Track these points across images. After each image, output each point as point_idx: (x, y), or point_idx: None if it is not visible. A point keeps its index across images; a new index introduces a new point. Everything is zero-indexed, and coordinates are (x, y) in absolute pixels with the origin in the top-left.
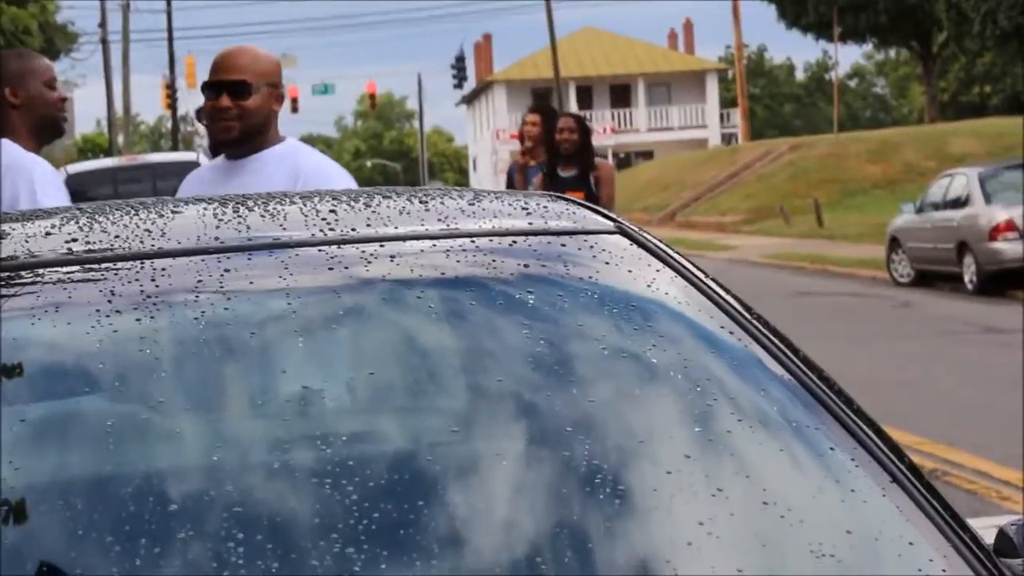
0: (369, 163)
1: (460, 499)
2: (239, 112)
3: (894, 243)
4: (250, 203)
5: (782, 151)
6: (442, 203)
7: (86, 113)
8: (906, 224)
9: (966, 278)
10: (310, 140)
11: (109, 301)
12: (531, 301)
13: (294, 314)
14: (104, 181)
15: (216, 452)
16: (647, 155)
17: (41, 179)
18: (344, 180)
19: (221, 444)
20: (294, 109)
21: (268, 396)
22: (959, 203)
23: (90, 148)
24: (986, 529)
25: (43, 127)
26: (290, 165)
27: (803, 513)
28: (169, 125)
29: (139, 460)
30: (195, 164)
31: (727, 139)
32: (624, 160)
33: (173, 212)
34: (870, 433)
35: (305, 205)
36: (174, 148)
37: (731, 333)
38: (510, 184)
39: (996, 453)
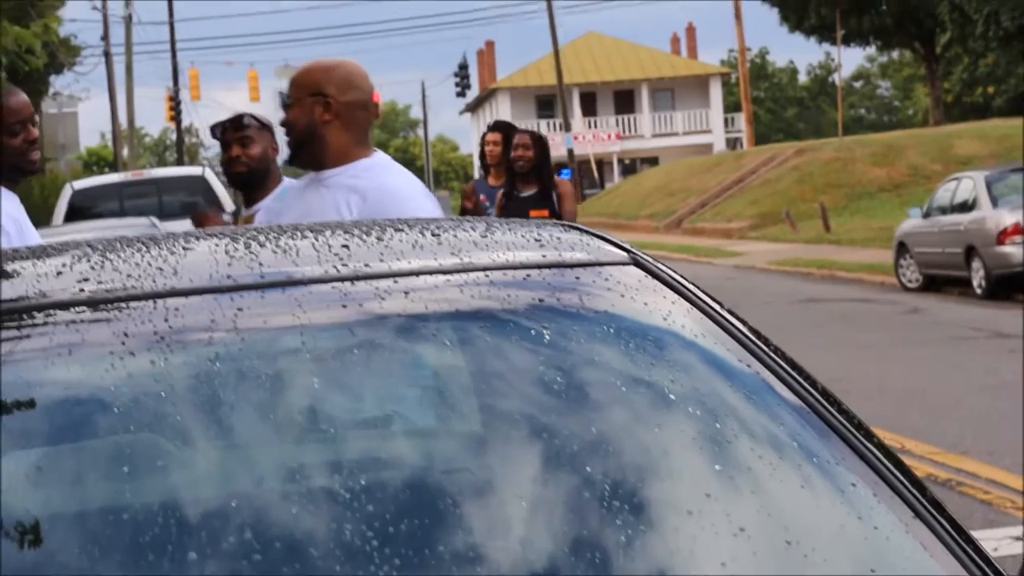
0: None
1: (478, 531)
2: (283, 125)
3: (902, 248)
4: (261, 238)
5: (787, 156)
6: (455, 236)
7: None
8: (913, 229)
9: (975, 282)
10: None
11: (123, 343)
12: (547, 335)
13: (309, 353)
14: (110, 196)
15: (233, 492)
16: (652, 161)
17: (6, 238)
18: (413, 204)
19: (238, 484)
20: None
21: (285, 436)
22: (966, 207)
23: (95, 161)
24: (1003, 541)
25: (7, 171)
26: (353, 186)
27: (826, 551)
28: (173, 137)
29: (155, 502)
30: (201, 179)
31: (732, 144)
32: (629, 166)
33: (184, 249)
34: (891, 466)
35: (317, 240)
36: (179, 160)
37: (748, 365)
38: (475, 208)
39: (1009, 461)
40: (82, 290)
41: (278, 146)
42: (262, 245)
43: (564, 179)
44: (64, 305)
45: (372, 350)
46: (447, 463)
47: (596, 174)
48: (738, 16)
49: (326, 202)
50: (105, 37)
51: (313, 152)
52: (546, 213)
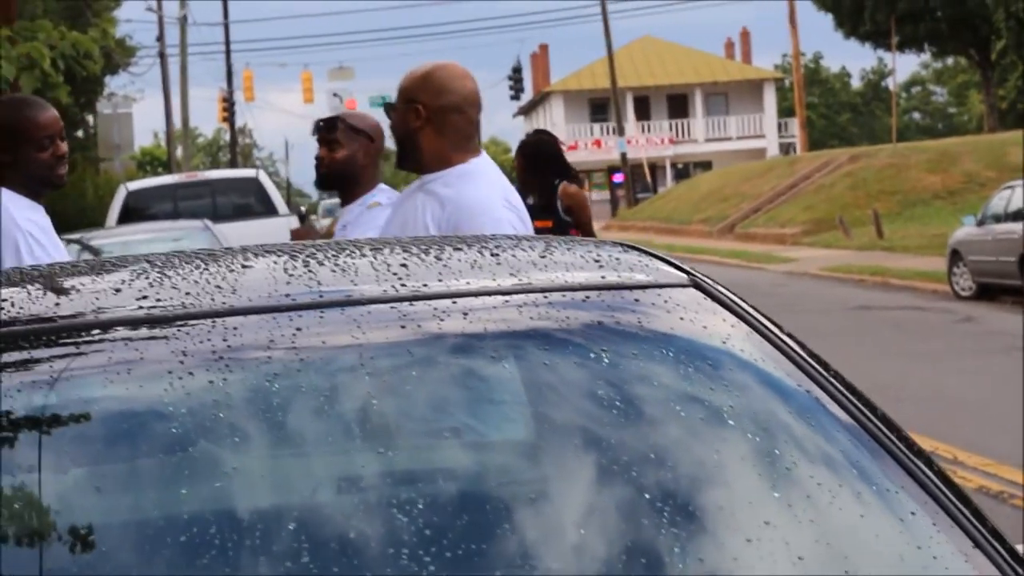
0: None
1: (539, 555)
2: (391, 130)
3: (955, 256)
4: (320, 256)
5: (841, 162)
6: (513, 255)
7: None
8: (967, 237)
9: None
10: None
11: (181, 362)
12: (606, 357)
13: (367, 374)
14: (164, 198)
15: (292, 512)
16: (705, 166)
17: (26, 244)
18: (484, 218)
19: (298, 504)
20: None
21: (343, 456)
22: (1020, 215)
23: (149, 161)
24: None
25: (35, 184)
26: (439, 194)
27: None
28: (227, 138)
29: (214, 521)
30: (254, 181)
31: (785, 149)
32: (682, 171)
33: (243, 266)
34: (953, 498)
35: (376, 258)
36: (232, 161)
37: (807, 390)
38: None
39: None
40: (141, 307)
41: (374, 151)
42: (321, 263)
43: (570, 186)
44: (123, 323)
45: (431, 371)
46: (509, 485)
47: (649, 178)
48: (793, 21)
49: (416, 208)
50: (160, 38)
51: (412, 157)
52: (549, 224)
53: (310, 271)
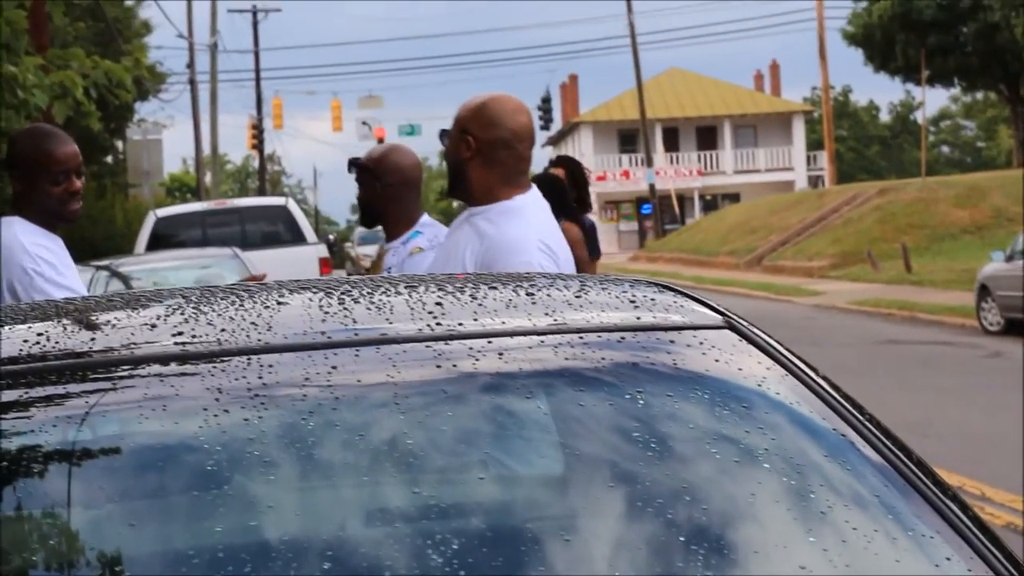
0: (455, 204)
1: None
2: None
3: (983, 291)
4: (355, 293)
5: (869, 195)
6: (548, 295)
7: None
8: (996, 272)
9: None
10: None
11: (216, 399)
12: (642, 399)
13: (403, 413)
14: (193, 225)
15: (326, 551)
16: (733, 197)
17: (35, 265)
18: (517, 259)
19: (331, 543)
20: None
21: (377, 495)
22: None
23: (177, 187)
24: None
25: (47, 216)
26: (481, 230)
27: None
28: (255, 165)
29: (249, 560)
30: (283, 209)
31: (813, 182)
32: (711, 202)
33: (279, 303)
34: (992, 548)
35: (411, 296)
36: (261, 188)
37: (843, 435)
38: None
39: None
40: (176, 343)
41: (394, 187)
42: (356, 301)
43: (568, 224)
44: (158, 359)
45: (465, 411)
46: (545, 525)
47: (677, 209)
48: (823, 54)
49: (459, 243)
50: (191, 65)
51: (461, 187)
52: None
53: (345, 308)
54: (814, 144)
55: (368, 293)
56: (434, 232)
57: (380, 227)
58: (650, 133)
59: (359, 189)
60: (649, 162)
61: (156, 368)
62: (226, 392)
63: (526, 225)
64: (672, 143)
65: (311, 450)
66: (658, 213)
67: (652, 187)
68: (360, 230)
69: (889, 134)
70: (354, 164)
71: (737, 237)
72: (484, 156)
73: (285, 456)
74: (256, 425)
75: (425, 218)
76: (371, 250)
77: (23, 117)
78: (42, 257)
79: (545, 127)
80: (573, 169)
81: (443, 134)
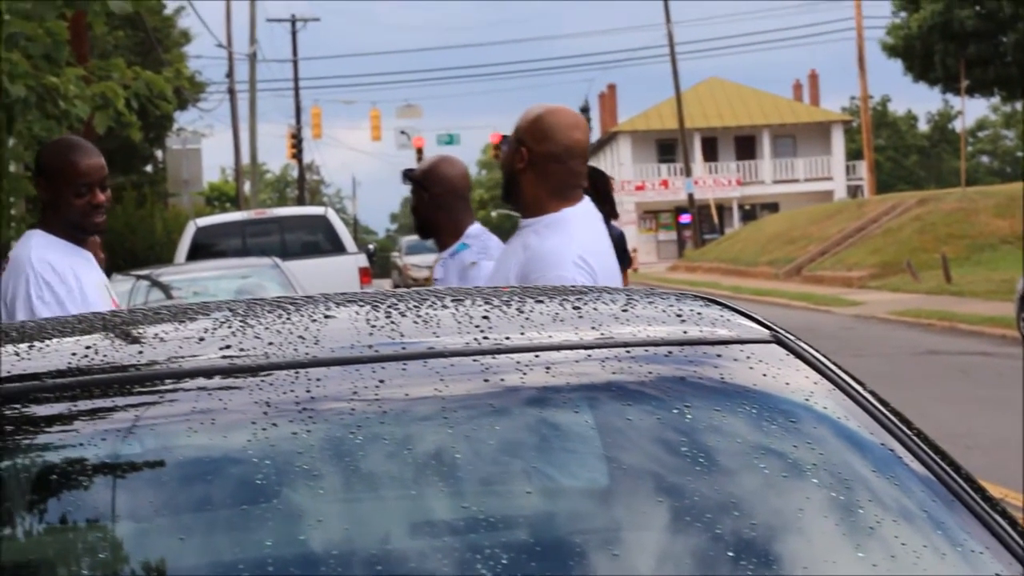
0: (494, 213)
1: None
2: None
3: None
4: (402, 307)
5: (909, 205)
6: (595, 308)
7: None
8: None
9: None
10: None
11: (264, 412)
12: (689, 413)
13: (450, 427)
14: (233, 234)
15: (375, 564)
16: (772, 207)
17: (35, 282)
18: (553, 273)
19: (380, 555)
20: (419, 160)
21: (427, 508)
22: None
23: (216, 196)
24: None
25: (69, 228)
26: (526, 242)
27: None
28: (294, 174)
29: (298, 573)
30: (323, 219)
31: (853, 191)
32: (749, 212)
33: (326, 316)
34: None
35: (458, 310)
36: (300, 198)
37: (891, 450)
38: None
39: None
40: (224, 357)
41: (440, 198)
42: (403, 314)
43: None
44: (206, 373)
45: (513, 425)
46: (591, 541)
47: (716, 219)
48: (861, 64)
49: (509, 255)
50: (230, 74)
51: (513, 196)
52: None
53: (392, 322)
54: (853, 154)
55: (415, 306)
56: (482, 243)
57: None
58: (689, 143)
59: (412, 200)
60: (688, 172)
61: (204, 382)
62: (274, 406)
63: (568, 239)
64: (711, 153)
65: (359, 463)
66: (697, 223)
67: (691, 197)
68: (407, 239)
69: (927, 144)
70: (407, 176)
71: (776, 247)
72: (536, 168)
73: (333, 469)
74: (304, 439)
75: (474, 228)
76: (419, 259)
77: (64, 128)
78: (43, 277)
79: None
80: (596, 179)
81: (503, 141)
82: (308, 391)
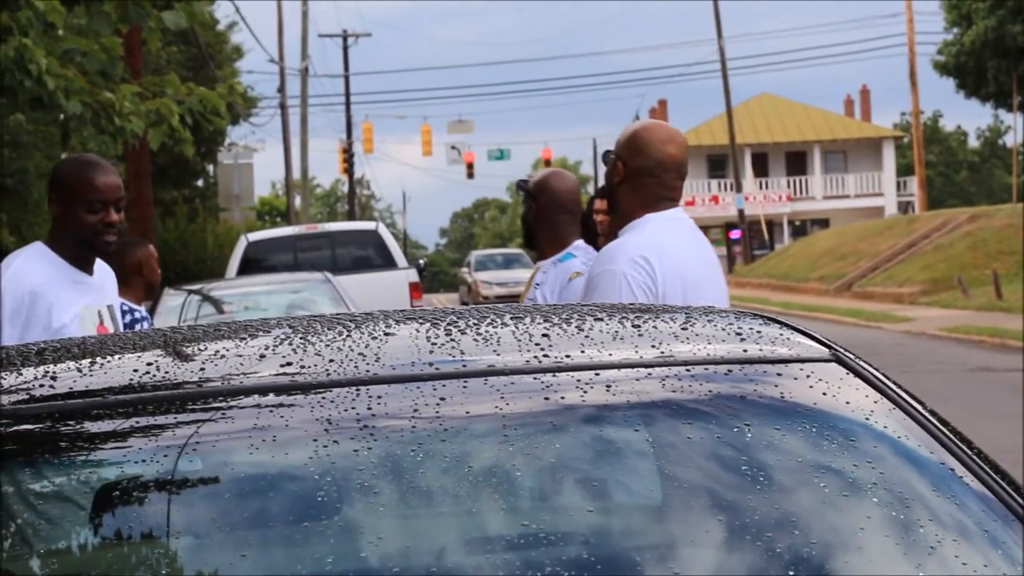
0: None
1: None
2: None
3: None
4: (462, 324)
5: (960, 221)
6: (654, 327)
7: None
8: None
9: None
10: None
11: (325, 429)
12: (750, 432)
13: (511, 445)
14: (284, 249)
15: None
16: (823, 223)
17: (30, 297)
18: (603, 268)
19: (440, 573)
20: (470, 175)
21: (488, 526)
22: None
23: (267, 211)
24: None
25: (77, 245)
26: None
27: None
28: (345, 189)
29: None
30: (374, 233)
31: (903, 207)
32: (800, 228)
33: (386, 334)
34: None
35: (517, 328)
36: (350, 212)
37: (951, 469)
38: None
39: None
40: (285, 374)
41: (546, 208)
42: (463, 332)
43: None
44: (267, 390)
45: (573, 443)
46: (653, 560)
47: (766, 235)
48: (913, 80)
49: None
50: (281, 89)
51: (614, 209)
52: None
53: (452, 340)
54: (904, 169)
55: (475, 324)
56: (587, 255)
57: (498, 254)
58: (739, 158)
59: (523, 209)
60: (738, 187)
61: (265, 399)
62: (335, 423)
63: (635, 237)
64: (761, 168)
65: (420, 481)
66: (747, 238)
67: (741, 212)
68: (477, 254)
69: (978, 159)
70: (520, 186)
71: (827, 263)
72: (631, 182)
73: (394, 487)
74: (365, 456)
75: (579, 242)
76: (490, 276)
77: (120, 144)
78: (35, 292)
79: None
80: None
81: (606, 155)
82: (369, 408)
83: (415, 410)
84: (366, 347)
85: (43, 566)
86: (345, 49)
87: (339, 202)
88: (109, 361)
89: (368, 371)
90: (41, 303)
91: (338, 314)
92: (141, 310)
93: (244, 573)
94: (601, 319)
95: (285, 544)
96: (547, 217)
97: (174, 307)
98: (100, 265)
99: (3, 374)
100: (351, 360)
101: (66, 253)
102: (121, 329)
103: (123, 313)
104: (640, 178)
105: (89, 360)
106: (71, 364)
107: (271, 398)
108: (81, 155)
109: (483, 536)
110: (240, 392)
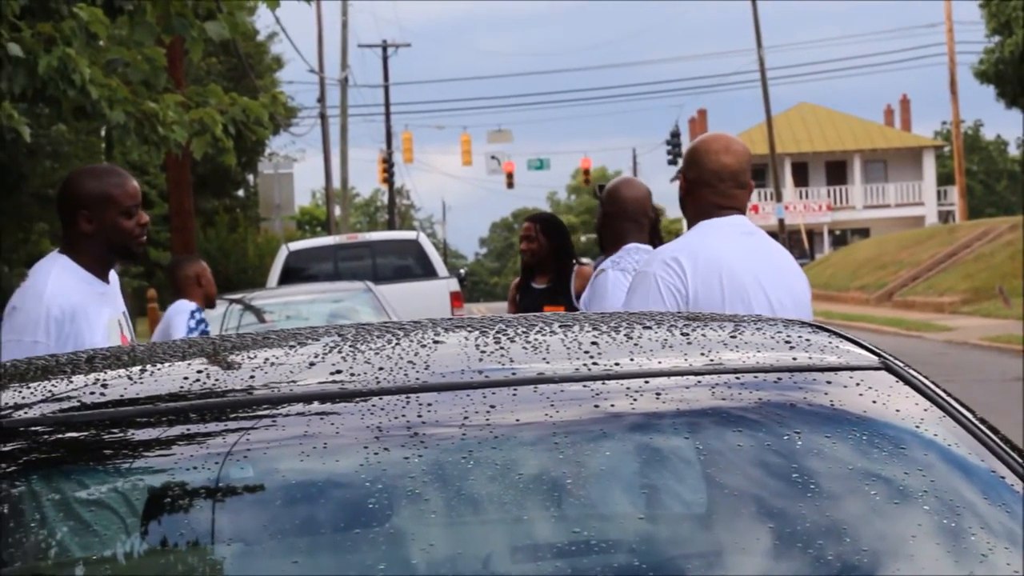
0: (583, 238)
1: None
2: None
3: None
4: (511, 332)
5: (1001, 231)
6: (703, 335)
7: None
8: None
9: None
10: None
11: (376, 437)
12: (800, 440)
13: (561, 453)
14: (325, 258)
15: None
16: (863, 232)
17: (44, 326)
18: (640, 268)
19: None
20: (509, 185)
21: (538, 535)
22: None
23: (307, 220)
24: None
25: (113, 253)
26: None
27: None
28: (384, 199)
29: None
30: (415, 243)
31: (944, 217)
32: (840, 237)
33: (435, 342)
34: None
35: (567, 335)
36: (390, 222)
37: (1002, 478)
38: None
39: None
40: (335, 382)
41: (609, 214)
42: (512, 340)
43: (585, 268)
44: (317, 397)
45: (623, 450)
46: (706, 569)
47: (806, 244)
48: (953, 89)
49: None
50: (321, 99)
51: (687, 220)
52: (561, 309)
53: (501, 348)
54: (944, 179)
55: (523, 332)
56: (623, 256)
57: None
58: (780, 168)
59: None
60: (778, 196)
61: (315, 406)
62: (385, 430)
63: (676, 241)
64: (801, 178)
65: (471, 488)
66: (787, 248)
67: (781, 222)
68: None
69: (1018, 168)
70: (596, 192)
71: (867, 272)
72: (692, 194)
73: (445, 494)
74: (416, 463)
75: (632, 244)
76: None
77: (163, 153)
78: (52, 315)
79: (673, 162)
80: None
81: (597, 190)
82: (419, 416)
83: (465, 418)
84: (415, 355)
85: (97, 572)
86: (385, 59)
87: (378, 212)
88: (160, 369)
89: (418, 379)
90: (81, 320)
91: (386, 322)
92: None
93: None
94: (650, 327)
95: (336, 551)
96: (611, 223)
97: (216, 317)
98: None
99: (57, 382)
100: (400, 368)
101: (92, 264)
102: (134, 334)
103: (198, 321)
104: (699, 190)
105: (140, 368)
106: (123, 372)
107: (321, 406)
108: (92, 167)
109: (532, 544)
110: (291, 400)
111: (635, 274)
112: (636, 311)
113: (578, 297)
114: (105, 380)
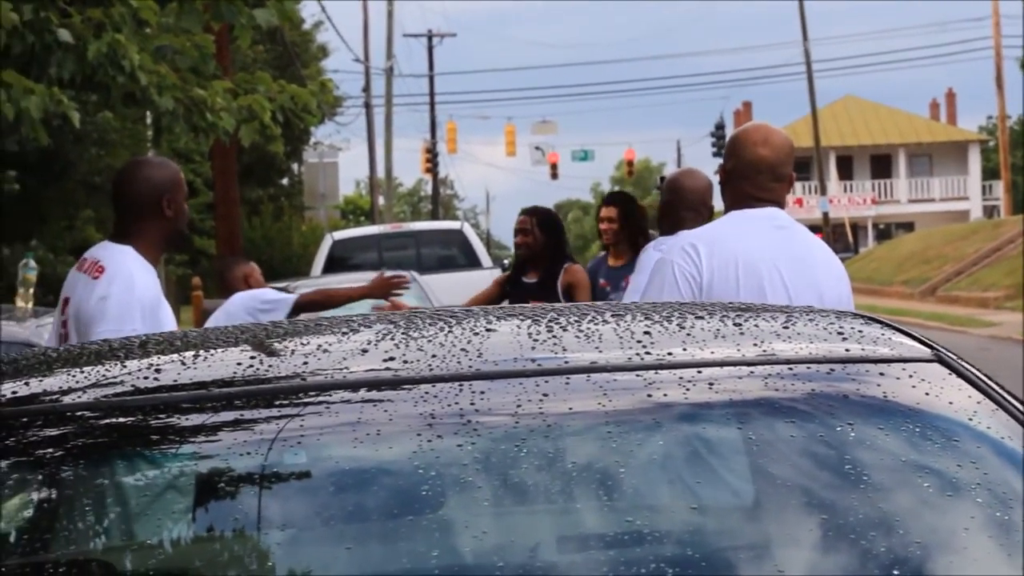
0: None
1: None
2: None
3: None
4: (563, 321)
5: None
6: (756, 325)
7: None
8: None
9: None
10: (568, 205)
11: (429, 424)
12: (852, 432)
13: (614, 442)
14: (369, 248)
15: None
16: (907, 227)
17: (142, 318)
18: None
19: (541, 568)
20: (553, 175)
21: (590, 524)
22: None
23: (351, 210)
24: None
25: (176, 239)
26: None
27: None
28: (428, 188)
29: None
30: (459, 233)
31: (989, 211)
32: (884, 231)
33: (488, 330)
34: None
35: (619, 325)
36: (433, 212)
37: None
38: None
39: None
40: (388, 369)
41: (666, 201)
42: (565, 329)
43: (575, 267)
44: (371, 384)
45: (676, 440)
46: (759, 559)
47: (850, 238)
48: (999, 83)
49: None
50: (366, 89)
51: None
52: None
53: (554, 337)
54: (989, 173)
55: (576, 321)
56: (670, 240)
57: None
58: (824, 161)
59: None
60: (823, 190)
61: (368, 393)
62: (438, 418)
63: (698, 229)
64: (846, 171)
65: (523, 476)
66: (831, 242)
67: (825, 215)
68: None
69: None
70: (658, 184)
71: (911, 267)
72: (730, 184)
73: (497, 482)
74: (468, 451)
75: (683, 232)
76: None
77: (211, 140)
78: (144, 305)
79: (717, 154)
80: (627, 208)
81: (660, 182)
82: (472, 403)
83: (518, 406)
84: (468, 343)
85: (149, 555)
86: (430, 49)
87: (422, 202)
88: (213, 355)
89: (471, 366)
90: (159, 310)
91: (439, 309)
92: None
93: (349, 566)
94: (702, 317)
95: (389, 538)
96: (670, 211)
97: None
98: None
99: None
100: (453, 356)
101: (152, 254)
102: None
103: (272, 301)
104: (735, 181)
105: (193, 354)
106: (176, 357)
107: (374, 393)
108: (145, 158)
109: (583, 533)
110: (343, 386)
111: (658, 260)
112: (687, 303)
113: (565, 295)
114: (158, 365)
